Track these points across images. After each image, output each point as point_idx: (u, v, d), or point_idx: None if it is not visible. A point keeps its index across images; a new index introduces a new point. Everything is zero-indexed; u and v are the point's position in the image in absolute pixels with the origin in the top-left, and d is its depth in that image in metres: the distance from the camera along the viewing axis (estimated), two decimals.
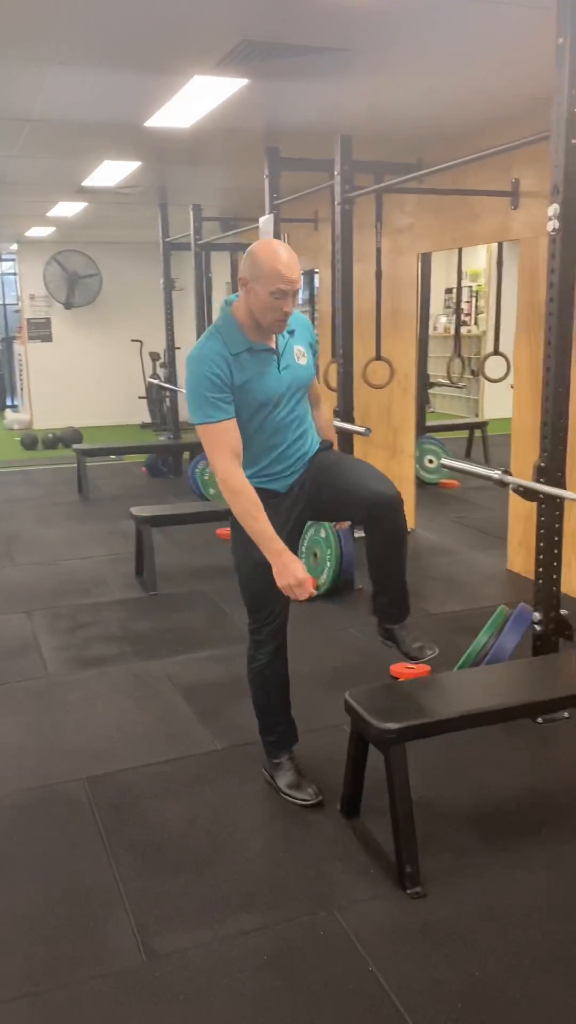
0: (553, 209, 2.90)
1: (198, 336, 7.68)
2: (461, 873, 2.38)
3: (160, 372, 10.96)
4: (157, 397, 11.36)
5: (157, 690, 3.60)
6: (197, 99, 4.08)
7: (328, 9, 2.93)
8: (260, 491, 2.50)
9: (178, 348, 8.63)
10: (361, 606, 4.56)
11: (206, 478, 6.94)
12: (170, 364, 8.50)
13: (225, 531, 5.88)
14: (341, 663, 3.77)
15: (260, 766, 2.94)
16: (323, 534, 4.72)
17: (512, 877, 2.36)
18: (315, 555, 4.76)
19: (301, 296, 9.12)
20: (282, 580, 2.41)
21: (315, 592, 2.65)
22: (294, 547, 2.67)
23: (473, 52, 3.48)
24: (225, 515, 5.70)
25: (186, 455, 8.27)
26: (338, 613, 4.46)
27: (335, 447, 2.84)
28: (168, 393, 9.02)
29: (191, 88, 3.90)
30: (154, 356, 11.28)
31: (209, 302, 7.69)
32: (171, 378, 8.43)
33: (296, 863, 2.45)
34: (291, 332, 2.56)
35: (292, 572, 2.40)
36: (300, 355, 2.59)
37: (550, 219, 2.91)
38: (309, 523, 4.83)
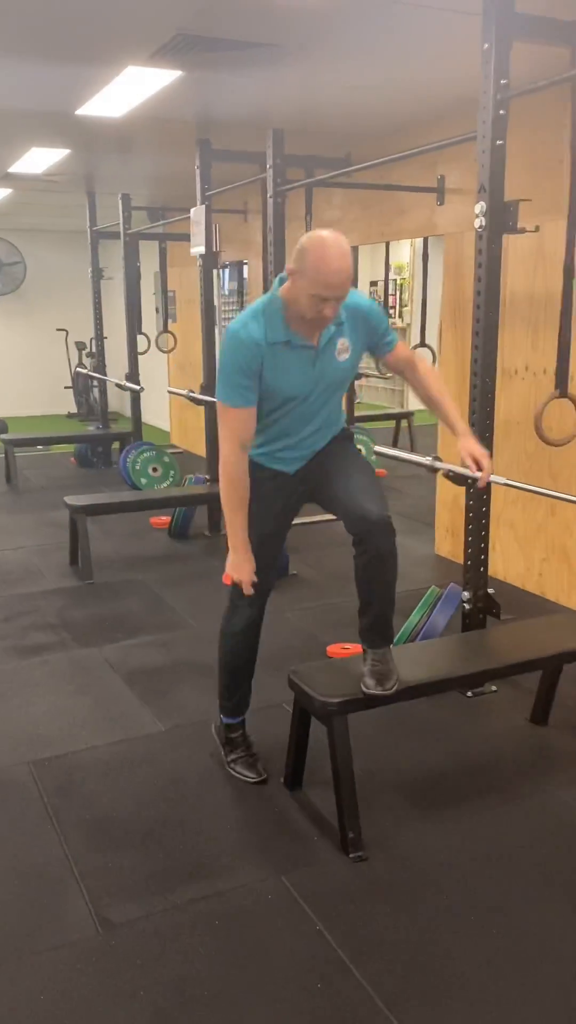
0: (480, 207, 3.04)
1: (127, 325, 7.69)
2: (399, 837, 2.51)
3: (87, 362, 10.88)
4: (84, 387, 11.27)
5: (98, 676, 3.64)
6: (130, 89, 4.11)
7: (262, 6, 3.00)
8: (269, 469, 2.58)
9: (106, 337, 8.59)
10: (296, 591, 4.67)
11: (137, 468, 6.95)
12: (99, 354, 8.45)
13: (158, 520, 5.94)
14: (280, 646, 3.86)
15: (203, 745, 3.02)
16: None
17: (446, 838, 2.51)
18: None
19: (228, 286, 9.11)
20: (232, 571, 2.58)
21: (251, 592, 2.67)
22: (287, 524, 2.75)
23: (401, 52, 3.60)
24: (158, 503, 5.75)
25: (116, 445, 8.26)
26: (274, 598, 4.46)
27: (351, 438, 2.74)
28: (97, 383, 8.96)
29: (124, 78, 3.93)
30: (80, 346, 11.17)
31: (138, 291, 7.67)
32: (100, 368, 8.38)
33: (242, 834, 2.54)
34: (339, 323, 2.44)
35: (244, 571, 2.57)
36: (343, 351, 2.48)
37: (477, 216, 3.06)
38: None
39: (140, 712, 3.30)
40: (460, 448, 2.68)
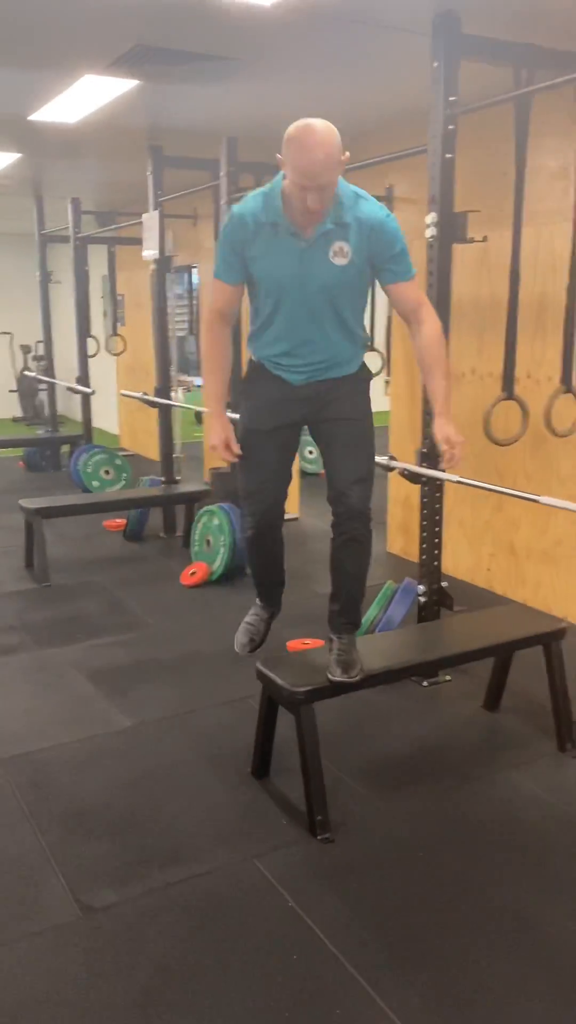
0: (431, 217, 3.19)
1: (78, 329, 7.68)
2: (364, 818, 2.63)
3: (33, 365, 10.80)
4: (29, 390, 11.19)
5: (62, 675, 3.68)
6: (86, 97, 4.17)
7: (222, 20, 3.10)
8: (273, 377, 2.60)
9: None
10: (253, 590, 4.75)
11: (89, 471, 6.98)
12: (47, 357, 8.43)
13: (112, 523, 5.97)
14: None
15: (170, 739, 3.12)
16: (216, 522, 4.89)
17: (408, 818, 2.63)
18: (208, 542, 4.94)
19: (184, 288, 9.11)
20: (207, 439, 2.70)
21: (235, 459, 2.69)
22: (288, 451, 2.72)
23: (353, 67, 3.73)
24: (115, 505, 5.76)
25: (65, 448, 8.25)
26: (233, 597, 4.65)
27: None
28: (45, 386, 8.92)
29: (81, 85, 3.99)
30: (25, 349, 11.09)
31: (87, 295, 7.69)
32: (49, 371, 8.36)
33: (213, 821, 2.63)
34: (342, 225, 2.37)
35: (213, 431, 2.65)
36: (338, 254, 2.39)
37: (428, 226, 3.20)
38: (203, 511, 5.01)
39: (106, 709, 3.37)
40: (435, 429, 2.57)
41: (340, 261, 2.41)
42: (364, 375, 2.68)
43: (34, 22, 3.18)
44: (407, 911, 2.23)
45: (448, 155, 3.15)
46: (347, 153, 2.35)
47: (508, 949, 2.10)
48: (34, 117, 4.58)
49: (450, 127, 3.13)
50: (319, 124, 2.28)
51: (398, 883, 2.34)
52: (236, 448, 2.65)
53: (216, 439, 2.64)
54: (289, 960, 2.07)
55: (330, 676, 2.58)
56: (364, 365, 2.69)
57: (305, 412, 2.63)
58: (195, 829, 2.59)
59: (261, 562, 2.87)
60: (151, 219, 5.29)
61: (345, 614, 2.70)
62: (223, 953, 2.09)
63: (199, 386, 11.67)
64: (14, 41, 3.42)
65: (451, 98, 3.11)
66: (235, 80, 3.90)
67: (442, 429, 2.55)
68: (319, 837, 2.52)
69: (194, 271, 7.63)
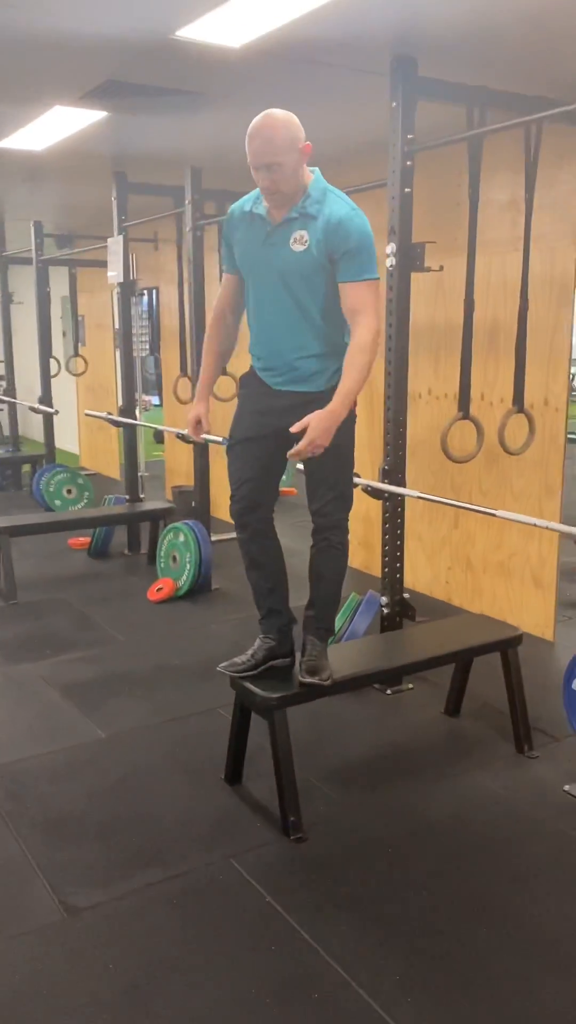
0: (391, 248, 3.37)
1: (40, 349, 7.74)
2: (334, 819, 2.75)
3: None
4: None
5: (34, 690, 3.75)
6: (55, 126, 4.29)
7: (190, 58, 3.24)
8: (259, 382, 2.75)
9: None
10: (219, 604, 4.89)
11: (51, 490, 7.03)
12: (8, 377, 8.46)
13: (76, 541, 6.04)
14: (208, 655, 4.06)
15: (144, 748, 3.21)
16: (182, 538, 5.00)
17: (375, 817, 2.76)
18: (174, 558, 5.04)
19: (144, 309, 9.24)
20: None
21: (200, 439, 2.94)
22: (265, 462, 2.73)
23: (316, 103, 3.91)
24: (81, 523, 5.81)
25: (26, 467, 8.28)
26: (200, 611, 4.76)
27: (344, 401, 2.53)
28: (6, 406, 8.95)
29: (51, 116, 4.11)
30: None
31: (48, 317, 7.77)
32: (10, 391, 8.40)
33: (190, 825, 2.73)
34: (310, 216, 2.49)
35: (190, 413, 2.88)
36: (298, 240, 2.50)
37: (388, 256, 3.38)
38: (169, 528, 5.11)
39: (80, 721, 3.44)
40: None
41: (298, 248, 2.52)
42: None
43: (9, 56, 3.30)
44: (378, 902, 2.36)
45: (406, 189, 3.33)
46: (307, 143, 2.49)
47: (469, 931, 2.24)
48: (1, 144, 4.69)
49: (408, 163, 3.32)
50: (273, 111, 2.46)
51: (368, 877, 2.47)
52: (202, 429, 2.88)
53: (190, 416, 2.91)
54: (268, 950, 2.18)
55: (300, 679, 2.70)
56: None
57: (286, 425, 2.56)
58: (173, 832, 2.69)
59: (252, 574, 2.91)
60: (116, 244, 5.42)
61: (320, 619, 2.83)
62: (205, 945, 2.20)
63: (156, 405, 11.79)
64: None
65: (408, 136, 3.30)
66: (201, 112, 4.06)
67: (310, 416, 2.49)
68: (292, 837, 2.64)
69: (154, 292, 7.74)
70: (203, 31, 2.96)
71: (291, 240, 2.52)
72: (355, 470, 3.99)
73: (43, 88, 3.70)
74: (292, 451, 2.54)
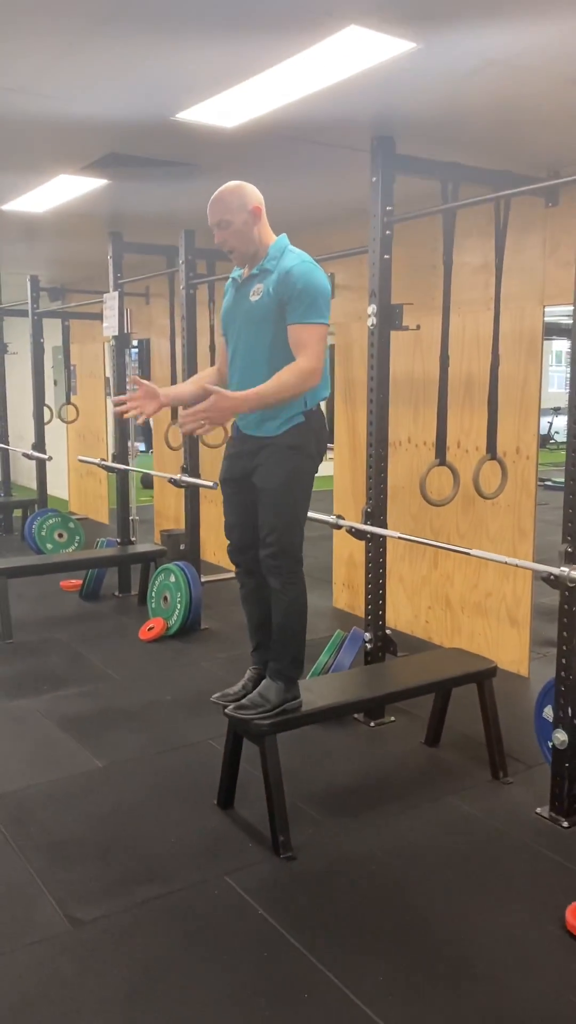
0: (372, 308, 3.65)
1: (34, 398, 8.01)
2: (321, 840, 2.93)
3: None
4: None
5: (32, 723, 3.91)
6: (57, 191, 4.59)
7: (187, 134, 3.54)
8: (236, 427, 2.95)
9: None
10: (209, 643, 5.07)
11: (43, 534, 7.21)
12: (1, 425, 8.69)
13: (68, 583, 6.22)
14: (198, 691, 4.24)
15: (141, 776, 3.38)
16: (173, 579, 5.20)
17: (360, 839, 2.94)
18: (165, 599, 5.23)
19: (133, 359, 9.55)
20: None
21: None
22: (239, 503, 2.93)
23: (301, 174, 4.23)
24: (74, 565, 5.98)
25: (17, 512, 8.47)
26: (190, 650, 4.94)
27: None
28: None
29: (54, 183, 4.40)
30: None
31: (42, 367, 8.04)
32: (3, 438, 8.62)
33: (186, 846, 2.90)
34: (268, 271, 2.77)
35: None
36: (256, 292, 2.79)
37: (369, 316, 3.66)
38: (160, 569, 5.30)
39: (78, 752, 3.61)
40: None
41: (255, 298, 2.80)
42: (288, 442, 2.78)
43: (21, 132, 3.59)
44: (363, 914, 2.53)
45: (385, 256, 3.63)
46: (257, 205, 2.81)
47: (448, 937, 2.41)
48: (6, 207, 4.98)
49: (387, 232, 3.62)
50: (229, 182, 2.84)
51: (354, 892, 2.64)
52: (148, 391, 2.94)
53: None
54: (261, 957, 2.35)
55: (225, 710, 2.94)
56: (292, 432, 2.79)
57: (248, 469, 2.86)
58: (169, 853, 2.85)
59: (245, 607, 3.11)
60: (111, 299, 5.70)
61: (273, 659, 2.95)
62: (202, 953, 2.36)
63: (142, 451, 12.04)
64: (5, 150, 3.82)
65: (388, 207, 3.60)
66: (194, 181, 4.36)
67: (214, 391, 2.59)
68: (282, 856, 2.81)
69: (140, 343, 8.02)
70: (201, 114, 3.26)
71: (251, 292, 2.82)
72: (339, 512, 4.23)
73: (50, 159, 3.99)
74: (182, 414, 2.62)
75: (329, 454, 6.00)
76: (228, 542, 3.07)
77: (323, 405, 2.99)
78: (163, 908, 2.56)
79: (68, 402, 8.69)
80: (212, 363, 6.14)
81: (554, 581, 2.91)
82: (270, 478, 2.79)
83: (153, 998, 2.19)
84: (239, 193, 2.81)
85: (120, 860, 2.81)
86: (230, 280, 2.97)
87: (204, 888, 2.66)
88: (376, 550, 3.81)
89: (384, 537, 3.75)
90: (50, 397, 9.29)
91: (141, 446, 12.50)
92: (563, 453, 2.94)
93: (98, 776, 3.40)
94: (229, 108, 3.19)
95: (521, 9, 2.38)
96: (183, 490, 5.50)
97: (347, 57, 2.69)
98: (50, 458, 7.62)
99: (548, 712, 3.23)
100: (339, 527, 3.79)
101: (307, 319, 2.71)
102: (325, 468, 6.62)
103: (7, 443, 8.58)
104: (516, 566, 3.45)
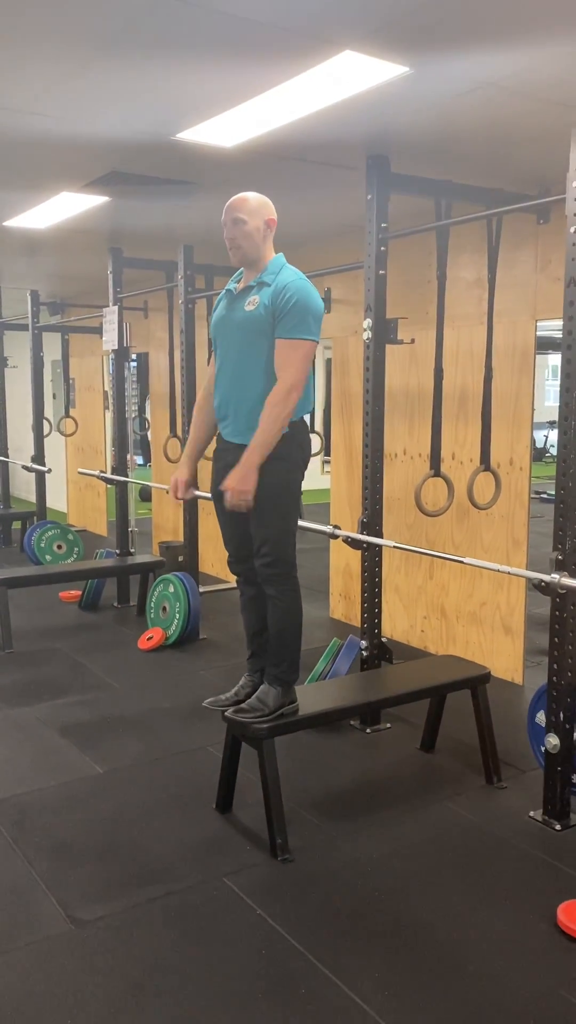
0: (367, 322, 3.73)
1: (34, 411, 8.09)
2: (317, 843, 2.98)
3: None
4: None
5: (33, 731, 3.96)
6: (59, 208, 4.67)
7: (188, 153, 3.63)
8: (221, 438, 3.03)
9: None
10: (207, 652, 5.13)
11: (42, 545, 7.27)
12: (0, 437, 8.77)
13: (68, 594, 6.27)
14: (197, 699, 4.27)
15: (141, 782, 3.43)
16: (172, 589, 5.26)
17: (356, 841, 2.99)
18: (164, 609, 5.29)
19: (131, 372, 9.64)
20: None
21: (182, 497, 3.21)
22: (231, 515, 2.96)
23: (298, 192, 4.32)
24: (74, 576, 6.04)
25: (16, 524, 8.54)
26: (189, 659, 5.00)
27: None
28: None
29: (57, 200, 4.49)
30: None
31: (42, 380, 8.13)
32: (2, 450, 8.69)
33: (185, 848, 2.95)
34: (265, 284, 2.86)
35: (175, 475, 3.18)
36: (251, 303, 2.87)
37: (365, 330, 3.74)
38: (159, 579, 5.36)
39: (78, 759, 3.66)
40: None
41: (249, 308, 2.89)
42: (273, 452, 2.83)
43: (26, 152, 3.68)
44: (359, 913, 2.59)
45: (381, 271, 3.71)
46: (272, 218, 2.93)
47: (442, 936, 2.47)
48: (8, 223, 5.07)
49: (382, 248, 3.70)
50: (247, 192, 2.96)
51: (350, 892, 2.70)
52: (185, 492, 3.17)
53: (172, 478, 3.21)
54: (259, 954, 2.40)
55: (224, 713, 3.01)
56: (276, 443, 2.84)
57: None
58: (169, 855, 2.91)
59: (243, 615, 3.18)
60: (111, 313, 5.79)
61: (270, 664, 3.02)
62: (202, 950, 2.41)
63: (140, 464, 12.13)
64: (9, 168, 3.91)
65: (383, 224, 3.69)
66: (193, 198, 4.45)
67: (229, 477, 2.83)
68: (280, 858, 2.86)
69: (138, 357, 8.11)
70: (200, 134, 3.35)
71: (246, 303, 2.90)
72: (335, 523, 4.30)
73: (53, 178, 4.08)
74: (224, 501, 2.86)
75: (326, 467, 6.09)
76: (228, 553, 3.14)
77: (320, 417, 3.06)
78: (162, 908, 2.61)
79: (67, 415, 8.78)
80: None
81: (545, 588, 2.98)
82: (258, 489, 2.83)
83: (155, 995, 2.24)
84: (262, 201, 2.95)
85: (119, 862, 2.86)
86: (224, 291, 3.04)
87: (203, 889, 2.71)
88: (372, 559, 3.88)
89: (380, 547, 3.82)
90: (49, 410, 9.39)
91: (139, 459, 12.59)
92: None
93: (98, 781, 3.45)
94: (228, 128, 3.28)
95: (509, 34, 2.47)
96: (182, 502, 5.57)
97: (342, 81, 2.78)
98: (49, 470, 7.70)
99: (541, 717, 3.29)
100: (336, 537, 3.86)
101: (295, 334, 2.80)
102: (323, 480, 6.72)
103: (6, 456, 8.65)
104: (508, 574, 3.52)
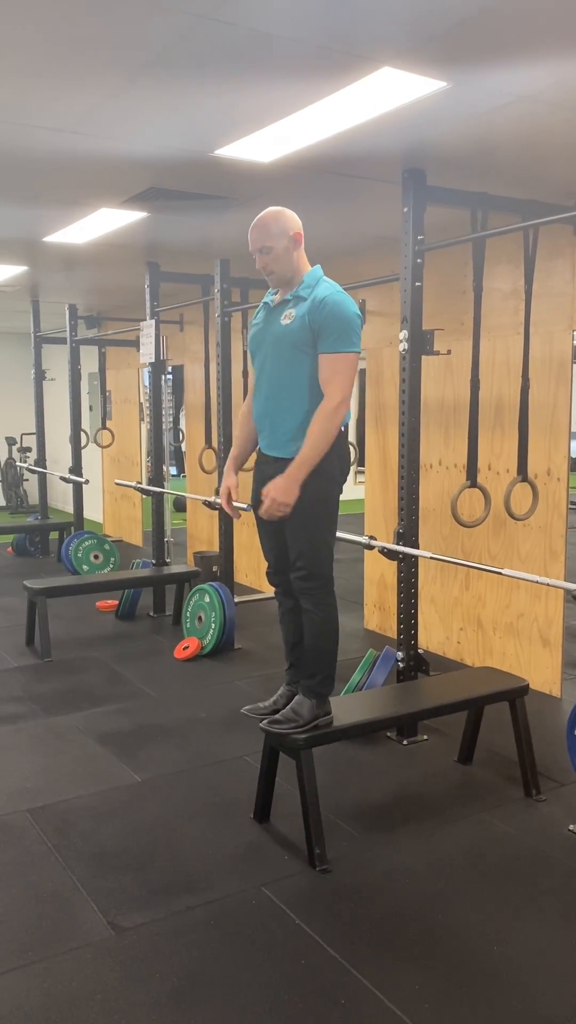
0: (403, 334, 3.75)
1: (72, 423, 8.21)
2: (355, 854, 2.98)
3: (17, 456, 11.28)
4: (14, 480, 11.61)
5: (73, 739, 4.01)
6: (98, 224, 4.75)
7: (225, 169, 3.68)
8: (259, 451, 3.06)
9: (32, 433, 9.07)
10: (242, 662, 5.15)
11: (79, 555, 7.36)
12: (39, 449, 8.90)
13: (104, 603, 6.34)
14: (233, 708, 4.31)
15: (179, 790, 3.46)
16: (207, 599, 5.30)
17: (393, 853, 2.99)
18: (200, 618, 5.33)
19: (167, 384, 9.75)
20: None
21: (231, 511, 3.20)
22: (268, 527, 3.00)
23: (334, 205, 4.36)
24: (112, 585, 6.11)
25: (54, 535, 8.65)
26: (224, 669, 5.03)
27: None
28: (33, 476, 9.36)
29: (96, 216, 4.57)
30: (10, 441, 11.56)
31: (79, 393, 8.24)
32: (41, 462, 8.81)
33: (223, 858, 2.97)
34: (301, 298, 2.85)
35: (222, 487, 3.19)
36: (287, 316, 2.87)
37: (401, 341, 3.76)
38: (195, 589, 5.40)
39: (117, 766, 3.69)
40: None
41: (286, 322, 2.89)
42: (315, 467, 2.84)
43: (69, 169, 3.75)
44: (398, 924, 2.59)
45: (417, 283, 3.73)
46: (296, 231, 2.92)
47: (481, 949, 2.46)
48: (48, 239, 5.16)
49: (418, 261, 3.72)
50: (271, 208, 2.94)
51: (389, 903, 2.70)
52: (234, 496, 3.19)
53: (221, 489, 3.23)
54: (298, 964, 2.41)
55: (260, 724, 3.02)
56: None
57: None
58: (208, 864, 2.93)
59: (282, 626, 3.20)
60: (148, 327, 5.86)
61: (305, 676, 3.03)
62: (241, 959, 2.43)
63: (174, 475, 12.22)
64: (52, 186, 3.99)
65: (419, 237, 3.71)
66: (229, 212, 4.50)
67: (271, 484, 2.85)
68: (318, 868, 2.87)
69: (173, 369, 8.19)
70: (238, 150, 3.40)
71: (283, 316, 2.91)
72: (370, 534, 4.31)
73: (93, 194, 4.16)
74: (260, 509, 2.87)
75: (360, 477, 6.10)
76: (267, 564, 3.17)
77: (354, 428, 3.09)
78: (201, 916, 2.63)
79: (104, 427, 8.88)
80: (244, 388, 6.28)
81: None
82: (296, 502, 2.84)
83: (195, 1002, 2.26)
84: (281, 220, 2.91)
85: (159, 870, 2.89)
86: (262, 304, 3.07)
87: (242, 898, 2.72)
88: (408, 570, 3.88)
89: (416, 557, 3.82)
90: (86, 422, 9.52)
91: (173, 470, 12.70)
92: None
93: (137, 790, 3.48)
94: (265, 144, 3.32)
95: (547, 47, 2.48)
96: (216, 512, 5.61)
97: (380, 96, 2.81)
98: (87, 481, 7.79)
99: None
100: (371, 547, 3.87)
101: (338, 348, 2.80)
102: (356, 491, 6.74)
103: (45, 467, 8.77)
104: (546, 585, 3.50)
